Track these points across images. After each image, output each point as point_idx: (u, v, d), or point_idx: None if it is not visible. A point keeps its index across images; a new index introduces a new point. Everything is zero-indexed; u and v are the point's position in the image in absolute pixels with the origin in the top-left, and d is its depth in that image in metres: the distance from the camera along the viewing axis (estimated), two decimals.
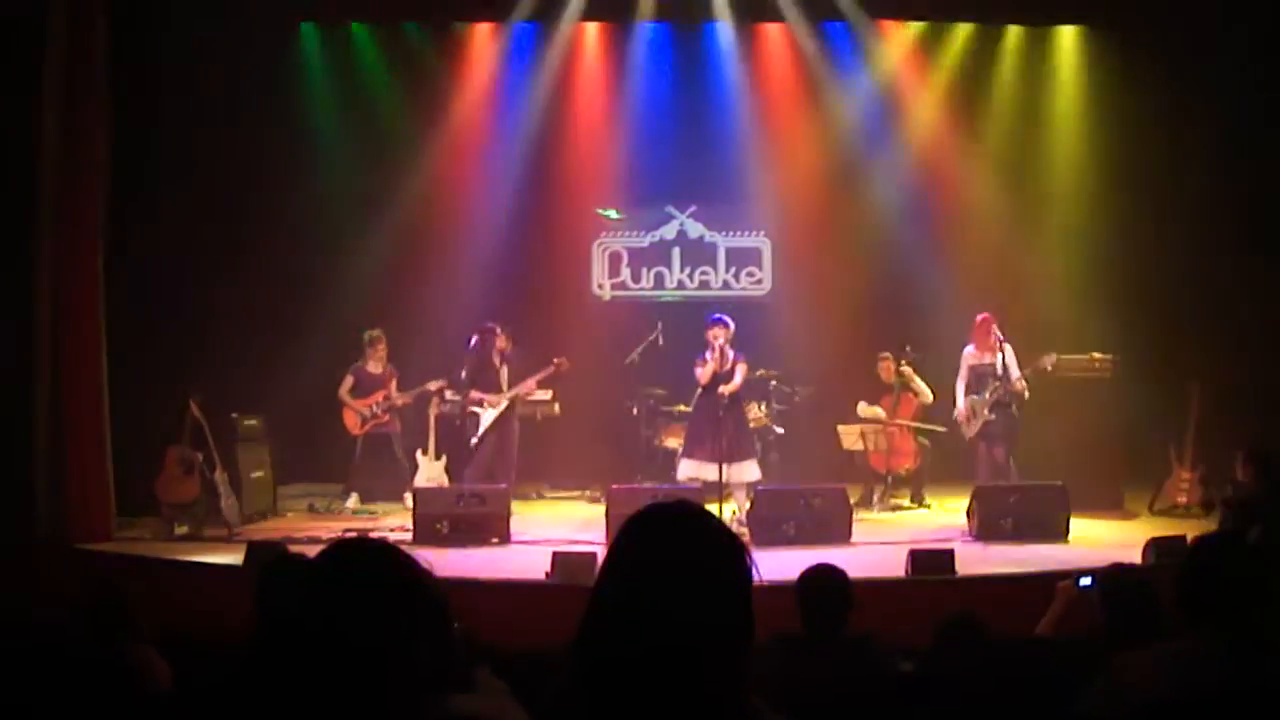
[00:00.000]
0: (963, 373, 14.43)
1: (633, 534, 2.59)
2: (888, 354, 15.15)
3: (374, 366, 15.09)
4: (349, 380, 15.04)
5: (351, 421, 15.05)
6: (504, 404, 14.38)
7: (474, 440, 14.49)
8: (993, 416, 14.00)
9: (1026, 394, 14.18)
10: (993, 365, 14.16)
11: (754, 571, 2.59)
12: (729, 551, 2.57)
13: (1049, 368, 14.19)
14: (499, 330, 14.59)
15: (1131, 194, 16.06)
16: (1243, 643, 3.66)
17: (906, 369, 14.96)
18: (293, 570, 5.54)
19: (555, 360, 14.45)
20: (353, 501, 14.93)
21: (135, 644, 5.83)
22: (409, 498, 14.08)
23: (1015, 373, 14.09)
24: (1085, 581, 6.78)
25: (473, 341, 14.62)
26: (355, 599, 2.54)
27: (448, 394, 14.99)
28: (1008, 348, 14.23)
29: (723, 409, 13.32)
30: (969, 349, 14.34)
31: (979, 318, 14.34)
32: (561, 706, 2.57)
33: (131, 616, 6.01)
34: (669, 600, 2.47)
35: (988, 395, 14.02)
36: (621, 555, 2.58)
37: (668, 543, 2.55)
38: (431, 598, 2.62)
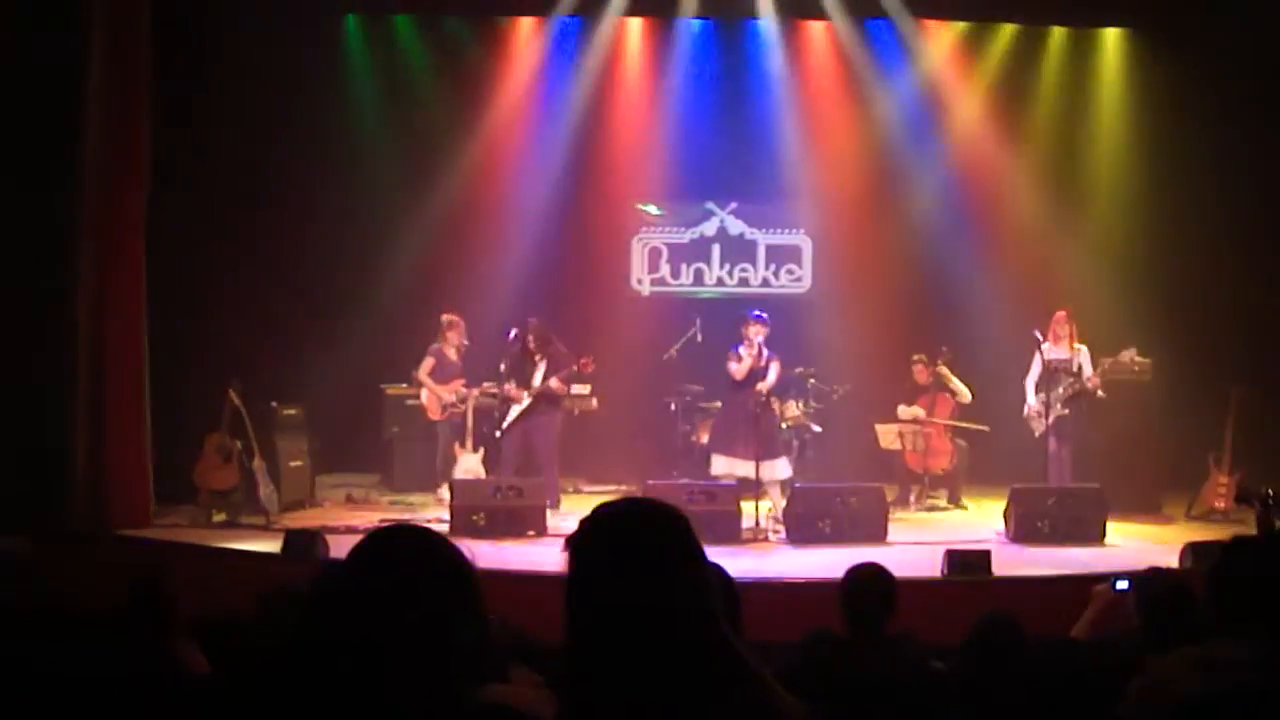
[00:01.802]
0: (1035, 369, 14.29)
1: (578, 536, 2.77)
2: (921, 356, 15.10)
3: (452, 353, 15.00)
4: (429, 362, 14.93)
5: (432, 405, 15.00)
6: (527, 400, 14.25)
7: (497, 434, 14.42)
8: (1066, 411, 13.93)
9: (1100, 393, 14.13)
10: (1068, 361, 14.07)
11: (693, 546, 2.75)
12: (671, 534, 2.71)
13: (1129, 360, 14.16)
14: (531, 324, 14.46)
15: (1173, 197, 16.01)
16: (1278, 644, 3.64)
17: (943, 369, 14.93)
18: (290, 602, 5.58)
19: (581, 360, 14.37)
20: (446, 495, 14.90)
21: (173, 636, 5.86)
22: (443, 490, 14.24)
23: (1089, 370, 14.02)
24: (1121, 585, 6.76)
25: (512, 335, 14.58)
26: (395, 584, 2.56)
27: (474, 390, 14.97)
28: (1083, 348, 14.15)
29: (759, 406, 13.32)
30: (1045, 345, 14.22)
31: (1057, 314, 14.27)
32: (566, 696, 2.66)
33: (171, 608, 6.04)
34: (625, 589, 2.60)
35: (1062, 390, 13.94)
36: (579, 562, 2.71)
37: (614, 538, 2.73)
38: (471, 585, 2.64)
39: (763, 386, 13.42)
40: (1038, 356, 14.23)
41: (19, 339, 12.27)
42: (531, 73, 17.18)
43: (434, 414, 15.05)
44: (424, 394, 15.02)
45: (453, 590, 2.60)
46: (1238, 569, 3.89)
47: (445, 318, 15.04)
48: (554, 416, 14.41)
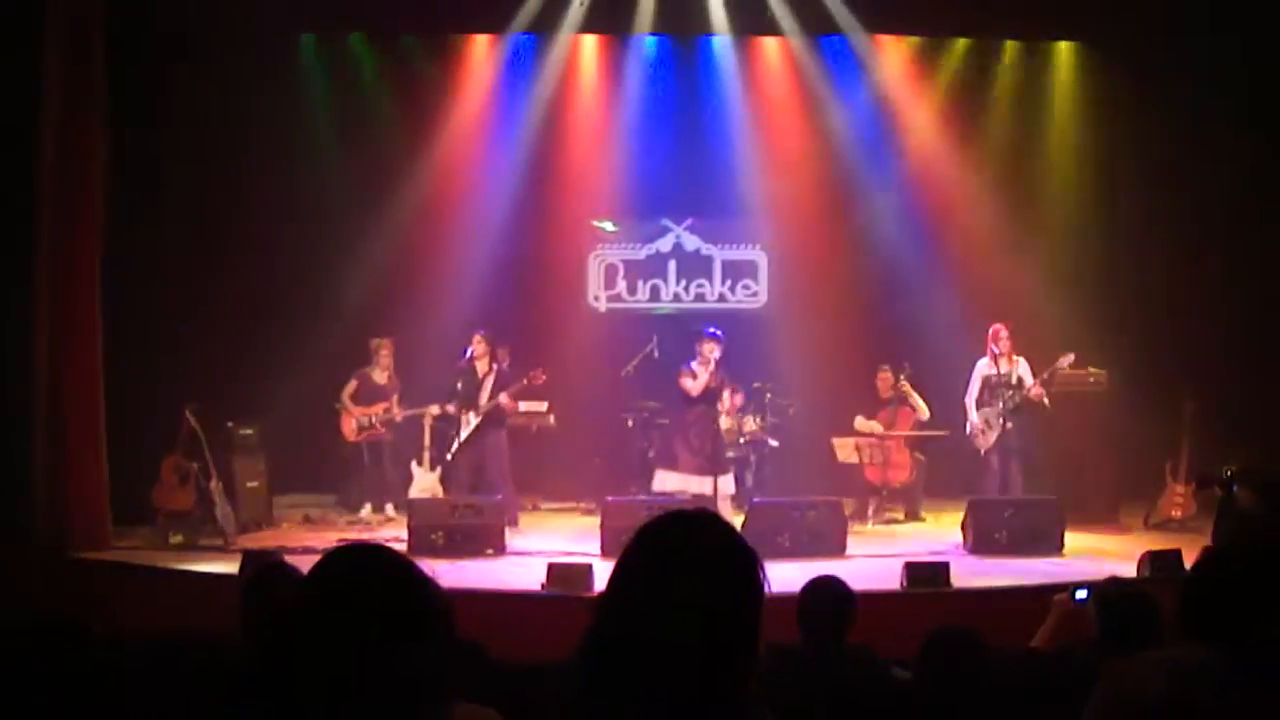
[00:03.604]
0: (973, 386, 14.33)
1: (649, 540, 2.63)
2: (886, 367, 15.15)
3: (379, 376, 15.05)
4: (352, 384, 15.01)
5: (348, 427, 15.02)
6: (475, 419, 14.17)
7: (449, 455, 14.38)
8: (1009, 426, 13.96)
9: (1046, 400, 14.19)
10: (1006, 376, 14.10)
11: (765, 583, 2.62)
12: (743, 559, 2.61)
13: (1068, 367, 14.21)
14: (475, 338, 14.42)
15: (1126, 209, 16.12)
16: (1248, 650, 3.64)
17: (905, 385, 14.95)
18: (283, 579, 5.53)
19: (529, 374, 14.35)
20: (366, 511, 14.89)
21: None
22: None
23: (1030, 380, 14.06)
24: (1080, 594, 6.79)
25: (467, 354, 14.55)
26: (357, 604, 2.55)
27: (433, 409, 14.93)
28: (1021, 359, 14.20)
29: (711, 422, 13.38)
30: (982, 361, 14.28)
31: (992, 328, 14.28)
32: (566, 711, 2.60)
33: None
34: (680, 603, 2.51)
35: (1002, 405, 13.97)
36: (637, 557, 2.62)
37: (684, 547, 2.60)
38: (435, 604, 2.63)
39: (723, 406, 13.55)
40: (976, 373, 14.30)
41: None
42: (486, 90, 17.13)
43: (349, 435, 15.07)
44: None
45: (413, 610, 2.59)
46: (1213, 573, 3.90)
47: (374, 341, 15.06)
48: (501, 435, 14.35)
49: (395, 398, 15.05)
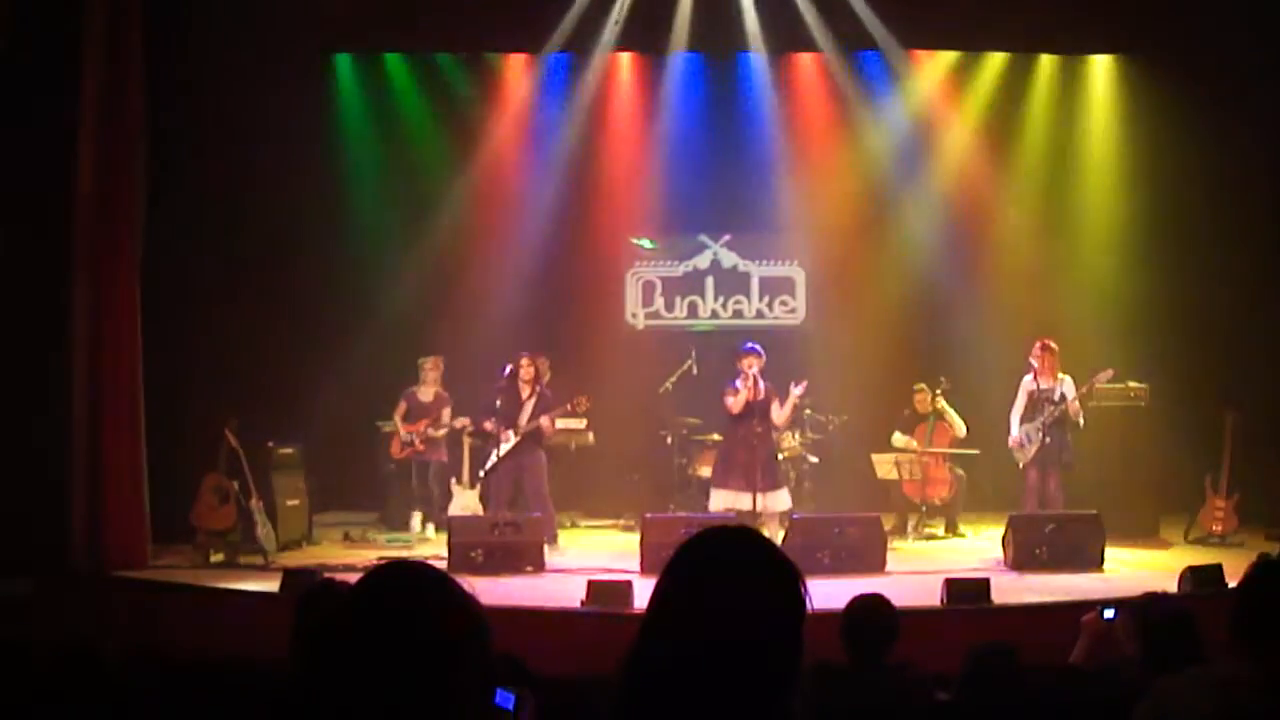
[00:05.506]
0: (1019, 400, 14.25)
1: (691, 557, 2.63)
2: (923, 385, 15.08)
3: (424, 394, 15.13)
4: (402, 405, 15.15)
5: (394, 446, 15.13)
6: (513, 439, 14.18)
7: (481, 472, 14.43)
8: (1048, 440, 13.90)
9: (1081, 420, 14.12)
10: (1050, 391, 14.04)
11: (807, 600, 2.60)
12: (785, 575, 2.60)
13: (1106, 382, 14.16)
14: (523, 360, 14.43)
15: (1165, 222, 16.04)
16: None
17: (941, 400, 14.91)
18: (334, 598, 5.53)
19: (572, 401, 14.38)
20: (415, 523, 14.98)
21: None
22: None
23: (1071, 395, 14.00)
24: (1109, 613, 6.73)
25: (507, 371, 14.56)
26: (399, 620, 2.55)
27: (461, 420, 15.00)
28: (1067, 377, 14.14)
29: (755, 439, 13.32)
30: (1027, 376, 14.21)
31: (1038, 344, 14.23)
32: None
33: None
34: (722, 620, 2.50)
35: (1041, 420, 13.91)
36: (677, 574, 2.61)
37: (724, 563, 2.59)
38: (477, 621, 2.63)
39: (778, 420, 13.52)
40: (1022, 388, 14.24)
41: (16, 381, 12.28)
42: (523, 109, 17.20)
43: (394, 453, 15.19)
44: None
45: (453, 625, 2.59)
46: (1265, 583, 3.85)
47: (421, 359, 15.18)
48: (540, 453, 14.32)
49: (446, 412, 15.08)
